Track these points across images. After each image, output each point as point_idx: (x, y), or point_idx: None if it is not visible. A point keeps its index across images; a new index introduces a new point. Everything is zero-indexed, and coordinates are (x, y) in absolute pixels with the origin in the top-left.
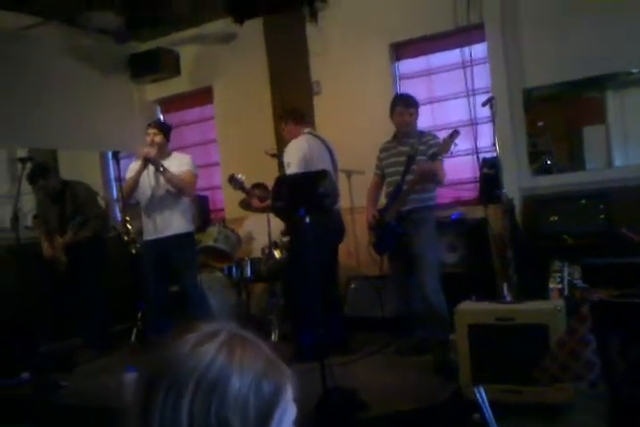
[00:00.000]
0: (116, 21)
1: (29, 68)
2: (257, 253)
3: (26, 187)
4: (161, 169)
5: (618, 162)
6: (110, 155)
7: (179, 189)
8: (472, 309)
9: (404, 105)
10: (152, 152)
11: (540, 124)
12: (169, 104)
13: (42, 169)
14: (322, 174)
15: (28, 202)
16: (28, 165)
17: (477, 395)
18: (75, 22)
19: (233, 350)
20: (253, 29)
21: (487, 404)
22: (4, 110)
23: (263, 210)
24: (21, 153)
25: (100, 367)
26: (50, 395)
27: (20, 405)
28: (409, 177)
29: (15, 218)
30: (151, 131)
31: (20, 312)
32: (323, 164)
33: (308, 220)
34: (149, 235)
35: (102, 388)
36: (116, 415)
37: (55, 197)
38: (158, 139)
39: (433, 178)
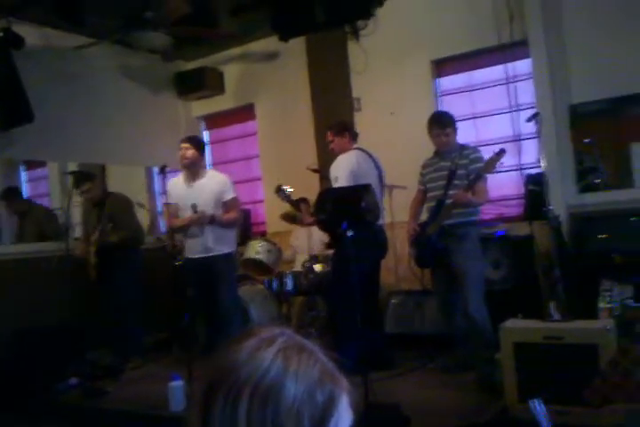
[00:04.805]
0: (164, 41)
1: (81, 85)
2: (299, 267)
3: (76, 200)
4: (212, 222)
5: None
6: (156, 169)
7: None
8: (519, 327)
9: (439, 126)
10: (205, 218)
11: (587, 140)
12: (212, 120)
13: (86, 175)
14: (364, 189)
15: (78, 214)
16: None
17: (535, 408)
18: (125, 42)
19: (289, 357)
20: (295, 47)
21: (546, 418)
22: (56, 126)
23: (307, 224)
24: (72, 168)
25: (145, 375)
26: (96, 400)
27: (68, 409)
28: (451, 192)
29: (65, 230)
30: (183, 145)
31: (70, 320)
32: (370, 180)
33: (350, 233)
34: (191, 253)
35: (147, 395)
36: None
37: (96, 204)
38: (190, 153)
39: (468, 206)
